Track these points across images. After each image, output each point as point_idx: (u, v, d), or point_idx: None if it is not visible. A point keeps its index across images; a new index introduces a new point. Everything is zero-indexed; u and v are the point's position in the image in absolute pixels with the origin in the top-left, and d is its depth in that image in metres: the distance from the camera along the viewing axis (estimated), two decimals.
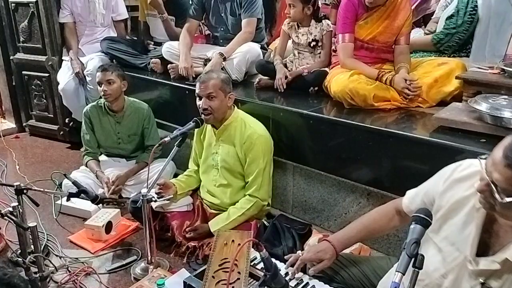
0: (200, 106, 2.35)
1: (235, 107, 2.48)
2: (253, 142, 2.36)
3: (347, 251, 2.09)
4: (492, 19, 2.58)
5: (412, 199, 1.55)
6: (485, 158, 1.20)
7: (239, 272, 1.56)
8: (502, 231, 1.25)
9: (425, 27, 3.23)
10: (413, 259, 1.18)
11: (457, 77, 2.27)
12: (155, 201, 2.26)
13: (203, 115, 2.37)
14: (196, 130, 2.51)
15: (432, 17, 3.20)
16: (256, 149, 2.36)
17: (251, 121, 2.45)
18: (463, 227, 1.31)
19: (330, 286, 1.57)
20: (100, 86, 2.89)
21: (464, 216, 1.31)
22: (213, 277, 1.60)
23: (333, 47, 2.81)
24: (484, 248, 1.27)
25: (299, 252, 1.69)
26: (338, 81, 2.44)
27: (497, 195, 1.14)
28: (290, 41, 2.95)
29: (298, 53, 2.90)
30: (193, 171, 2.66)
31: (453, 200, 1.34)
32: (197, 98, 2.38)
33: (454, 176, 1.37)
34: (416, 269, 1.18)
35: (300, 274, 1.62)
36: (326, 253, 1.60)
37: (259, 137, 2.37)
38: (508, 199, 1.13)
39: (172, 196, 2.40)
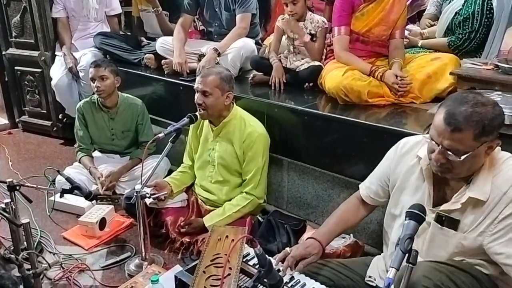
0: (195, 100, 2.34)
1: (234, 104, 2.47)
2: (253, 141, 2.35)
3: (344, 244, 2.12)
4: (502, 21, 2.53)
5: (368, 188, 1.75)
6: (427, 133, 1.43)
7: (230, 268, 1.56)
8: (453, 183, 1.46)
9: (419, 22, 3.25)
10: (407, 255, 1.19)
11: (451, 73, 2.27)
12: (149, 197, 2.25)
13: (198, 109, 2.36)
14: (192, 124, 2.50)
15: (424, 13, 3.20)
16: (255, 147, 2.36)
17: (251, 119, 2.44)
18: (415, 192, 1.53)
19: (322, 284, 1.57)
20: (93, 82, 2.87)
21: (414, 181, 1.54)
22: (204, 272, 1.60)
23: (327, 41, 2.81)
24: (440, 201, 1.48)
25: (287, 248, 1.70)
26: (332, 78, 2.44)
27: (453, 158, 1.33)
28: (284, 37, 2.94)
29: (293, 48, 2.89)
30: (187, 166, 2.65)
31: (403, 172, 1.58)
32: (196, 92, 2.37)
33: (398, 153, 1.63)
34: (410, 265, 1.19)
35: (291, 271, 1.63)
36: (314, 248, 1.66)
37: (259, 136, 2.37)
38: (464, 156, 1.32)
39: (166, 192, 2.39)
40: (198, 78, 2.35)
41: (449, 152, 1.34)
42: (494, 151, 1.40)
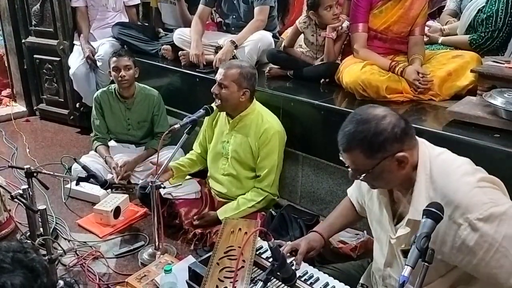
0: (212, 89, 2.35)
1: (254, 99, 2.45)
2: (269, 137, 2.34)
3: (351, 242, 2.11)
4: None
5: (352, 192, 1.71)
6: None
7: (243, 261, 1.57)
8: (399, 195, 1.37)
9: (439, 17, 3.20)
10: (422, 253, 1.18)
11: (472, 71, 2.23)
12: (164, 187, 2.26)
13: (215, 100, 2.36)
14: (207, 116, 2.50)
15: (444, 9, 3.15)
16: (271, 144, 2.35)
17: (269, 115, 2.42)
18: (381, 209, 1.43)
19: (335, 278, 1.56)
20: (117, 72, 2.88)
21: (376, 198, 1.45)
22: (217, 263, 1.61)
23: None
24: (399, 218, 1.38)
25: (288, 242, 1.68)
26: (350, 72, 2.42)
27: (358, 176, 1.30)
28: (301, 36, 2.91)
29: (312, 49, 2.86)
30: (195, 154, 2.65)
31: (367, 188, 1.49)
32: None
33: None
34: (426, 263, 1.17)
35: (305, 265, 1.62)
36: (316, 241, 1.66)
37: (276, 133, 2.36)
38: (363, 175, 1.29)
39: (181, 184, 2.40)
40: (219, 69, 2.36)
41: (350, 171, 1.32)
42: (426, 160, 1.28)
